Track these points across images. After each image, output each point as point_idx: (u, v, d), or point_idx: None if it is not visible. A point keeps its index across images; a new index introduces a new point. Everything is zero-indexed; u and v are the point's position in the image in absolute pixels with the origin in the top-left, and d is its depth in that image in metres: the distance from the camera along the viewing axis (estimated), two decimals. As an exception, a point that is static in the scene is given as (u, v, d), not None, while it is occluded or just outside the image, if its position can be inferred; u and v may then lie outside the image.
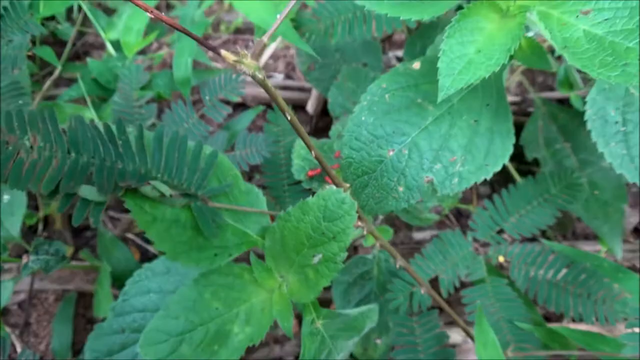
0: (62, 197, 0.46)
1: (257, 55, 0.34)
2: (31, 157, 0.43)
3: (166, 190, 0.50)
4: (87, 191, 0.46)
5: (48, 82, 0.90)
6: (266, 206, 0.56)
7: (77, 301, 0.89)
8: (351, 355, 0.80)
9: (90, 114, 0.82)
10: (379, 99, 0.57)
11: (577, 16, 0.41)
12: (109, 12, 1.01)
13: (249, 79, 1.01)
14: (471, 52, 0.43)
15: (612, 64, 0.38)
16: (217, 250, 0.55)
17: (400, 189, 0.56)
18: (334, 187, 0.49)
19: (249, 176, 0.97)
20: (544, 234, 0.96)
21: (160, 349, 0.51)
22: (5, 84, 0.68)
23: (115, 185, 0.46)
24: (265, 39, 0.34)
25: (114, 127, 0.48)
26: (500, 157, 0.56)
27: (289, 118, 0.40)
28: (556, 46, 0.39)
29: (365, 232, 0.57)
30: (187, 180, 0.51)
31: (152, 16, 0.31)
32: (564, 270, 0.73)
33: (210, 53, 1.08)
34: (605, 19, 0.40)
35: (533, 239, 0.82)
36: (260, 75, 0.35)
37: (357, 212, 0.49)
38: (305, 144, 0.44)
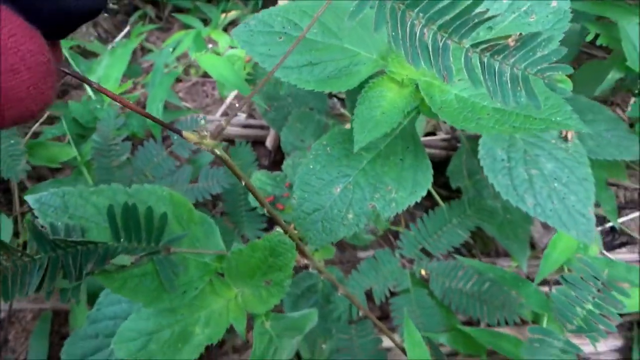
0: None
1: (215, 136, 0.41)
2: (11, 269, 0.46)
3: (126, 260, 0.53)
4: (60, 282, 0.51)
5: (37, 125, 1.00)
6: (219, 233, 0.63)
7: (52, 319, 0.96)
8: (300, 357, 0.91)
9: (72, 151, 0.92)
10: (322, 152, 0.67)
11: (451, 84, 0.56)
12: (88, 55, 1.12)
13: (208, 117, 1.13)
14: (377, 115, 0.56)
15: (471, 118, 0.52)
16: (184, 287, 0.61)
17: (350, 216, 0.66)
18: (280, 230, 0.59)
19: (213, 204, 1.09)
20: (470, 252, 1.10)
21: (131, 346, 0.59)
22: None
23: (81, 272, 0.49)
24: (224, 123, 0.41)
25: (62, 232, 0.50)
26: (424, 185, 0.68)
27: (243, 183, 0.48)
28: (432, 107, 0.53)
29: (307, 264, 0.67)
30: (145, 239, 0.54)
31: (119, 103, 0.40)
32: (472, 281, 0.87)
33: (181, 94, 1.21)
34: (470, 86, 0.55)
35: (457, 252, 0.95)
36: (218, 152, 0.41)
37: (302, 249, 0.59)
38: (256, 198, 0.53)
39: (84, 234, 0.50)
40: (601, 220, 1.16)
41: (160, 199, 0.57)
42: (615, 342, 1.01)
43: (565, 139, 0.72)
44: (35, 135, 1.03)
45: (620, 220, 1.16)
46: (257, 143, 1.17)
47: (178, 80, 1.25)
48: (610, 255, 1.09)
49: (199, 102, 1.22)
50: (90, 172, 0.91)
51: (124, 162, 0.90)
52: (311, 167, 0.67)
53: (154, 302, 0.58)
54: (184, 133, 0.39)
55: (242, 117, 1.21)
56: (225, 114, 1.20)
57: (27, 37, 0.29)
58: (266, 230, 0.95)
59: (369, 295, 0.90)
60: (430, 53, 0.34)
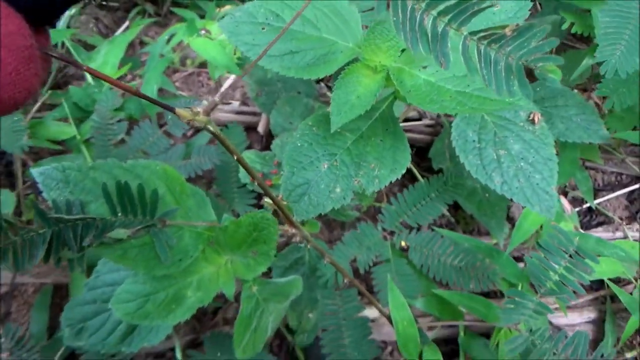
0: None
1: (208, 112, 0.41)
2: (20, 243, 0.50)
3: (123, 234, 0.56)
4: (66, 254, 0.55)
5: (37, 105, 1.06)
6: (210, 204, 0.67)
7: (53, 293, 1.00)
8: (289, 327, 0.97)
9: (72, 130, 0.98)
10: (308, 132, 0.72)
11: (420, 70, 0.61)
12: (89, 48, 1.17)
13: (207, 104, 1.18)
14: (353, 99, 0.61)
15: (436, 100, 0.57)
16: (180, 256, 0.64)
17: (337, 190, 0.71)
18: (269, 200, 0.62)
19: (208, 185, 1.14)
20: (452, 231, 1.16)
21: (129, 306, 0.63)
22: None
23: (82, 245, 0.53)
24: (217, 99, 0.42)
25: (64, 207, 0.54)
26: (403, 163, 0.73)
27: (235, 157, 0.49)
28: (401, 90, 0.59)
29: (294, 232, 0.69)
30: (141, 213, 0.57)
31: (112, 85, 0.37)
32: (448, 251, 0.92)
33: (177, 83, 1.25)
34: (436, 71, 0.60)
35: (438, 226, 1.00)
36: (211, 128, 0.42)
37: (290, 218, 0.63)
38: (247, 171, 0.55)
39: (83, 209, 0.55)
40: (580, 201, 1.21)
41: (154, 173, 0.60)
42: (590, 314, 1.07)
43: (533, 121, 0.77)
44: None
45: (598, 201, 1.21)
46: (250, 129, 1.21)
47: (175, 70, 1.29)
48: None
49: (194, 91, 1.26)
50: (89, 151, 0.97)
51: (121, 141, 0.95)
52: (299, 144, 0.72)
53: (152, 270, 0.62)
54: (177, 110, 0.40)
55: (235, 104, 1.25)
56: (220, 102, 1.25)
57: (7, 19, 0.28)
58: (255, 205, 1.01)
59: (355, 270, 0.96)
60: (429, 39, 0.34)
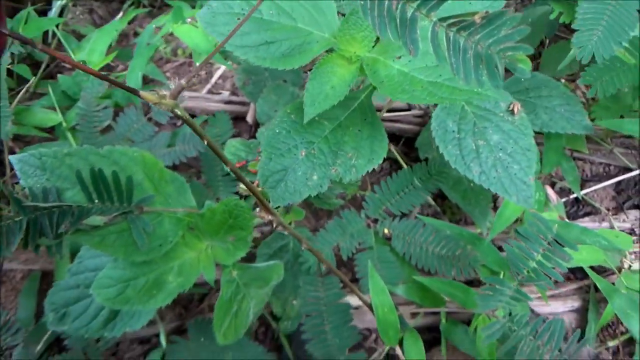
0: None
1: (175, 95, 0.41)
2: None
3: (99, 221, 0.58)
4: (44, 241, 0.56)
5: (23, 91, 1.06)
6: (190, 191, 0.68)
7: (41, 279, 1.01)
8: (273, 314, 0.99)
9: (58, 117, 0.98)
10: (287, 119, 0.72)
11: (394, 60, 0.61)
12: (81, 37, 1.17)
13: (194, 94, 1.19)
14: (327, 89, 0.61)
15: (408, 90, 0.58)
16: (160, 241, 0.65)
17: (315, 177, 0.71)
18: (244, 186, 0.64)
19: (197, 175, 1.15)
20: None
21: (109, 292, 0.64)
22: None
23: (58, 231, 0.53)
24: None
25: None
26: (381, 153, 0.74)
27: (205, 143, 0.50)
28: (374, 81, 0.59)
29: (270, 219, 0.70)
30: (117, 200, 0.57)
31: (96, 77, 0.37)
32: (431, 238, 0.93)
33: (168, 73, 1.26)
34: (409, 61, 0.61)
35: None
36: (178, 112, 0.42)
37: (266, 205, 0.63)
38: (218, 156, 0.56)
39: (60, 196, 0.56)
40: (567, 191, 1.22)
41: (131, 159, 0.61)
42: (574, 303, 1.08)
43: (513, 112, 0.78)
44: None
45: (586, 191, 1.21)
46: (239, 118, 1.22)
47: (167, 60, 1.30)
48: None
49: (185, 81, 1.27)
50: (75, 138, 0.97)
51: (107, 128, 0.96)
52: (277, 131, 0.72)
53: (131, 256, 0.63)
54: (142, 93, 0.40)
55: (225, 94, 1.26)
56: (210, 91, 1.25)
57: None
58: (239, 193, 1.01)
59: (341, 259, 0.97)
60: (398, 25, 0.33)
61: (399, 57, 0.61)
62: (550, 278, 0.75)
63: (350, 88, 0.60)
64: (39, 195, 0.53)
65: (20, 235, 0.52)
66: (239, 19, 0.64)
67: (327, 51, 0.65)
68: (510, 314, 0.94)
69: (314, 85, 0.61)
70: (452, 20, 0.33)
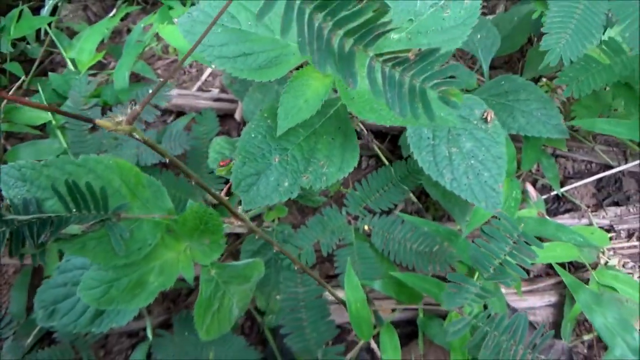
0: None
1: (130, 120, 0.41)
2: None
3: (77, 230, 0.59)
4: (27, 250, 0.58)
5: (14, 88, 1.08)
6: (167, 194, 0.69)
7: (32, 274, 1.04)
8: (257, 309, 1.02)
9: (47, 116, 1.00)
10: (263, 123, 0.74)
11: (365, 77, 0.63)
12: (74, 34, 1.18)
13: (184, 92, 1.20)
14: (301, 102, 0.63)
15: (376, 109, 0.60)
16: (139, 244, 0.66)
17: (286, 184, 0.74)
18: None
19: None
20: (421, 218, 1.19)
21: (94, 293, 0.66)
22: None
23: (39, 241, 0.56)
24: (139, 108, 0.42)
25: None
26: (352, 162, 0.76)
27: (167, 160, 0.53)
28: (343, 98, 0.61)
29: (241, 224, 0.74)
30: (94, 208, 0.59)
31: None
32: (409, 234, 0.95)
33: (159, 70, 1.27)
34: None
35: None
36: (137, 136, 0.43)
37: (234, 212, 0.66)
38: (182, 170, 0.57)
39: (40, 206, 0.58)
40: (548, 188, 1.24)
41: (107, 167, 0.63)
42: (550, 298, 1.10)
43: (486, 120, 0.80)
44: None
45: (567, 188, 1.24)
46: (228, 116, 1.23)
47: (158, 58, 1.31)
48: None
49: (176, 78, 1.29)
50: (64, 136, 0.99)
51: (95, 126, 0.98)
52: (252, 135, 0.74)
53: (112, 261, 0.65)
54: (97, 121, 0.40)
55: (215, 91, 1.27)
56: (200, 89, 1.27)
57: None
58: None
59: (325, 255, 1.00)
60: (336, 58, 0.34)
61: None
62: (519, 275, 0.77)
63: (327, 97, 0.62)
64: (19, 207, 0.55)
65: (3, 245, 0.55)
66: (218, 30, 0.65)
67: (302, 64, 0.67)
68: (485, 308, 0.97)
69: (288, 99, 0.63)
70: (387, 56, 0.34)
